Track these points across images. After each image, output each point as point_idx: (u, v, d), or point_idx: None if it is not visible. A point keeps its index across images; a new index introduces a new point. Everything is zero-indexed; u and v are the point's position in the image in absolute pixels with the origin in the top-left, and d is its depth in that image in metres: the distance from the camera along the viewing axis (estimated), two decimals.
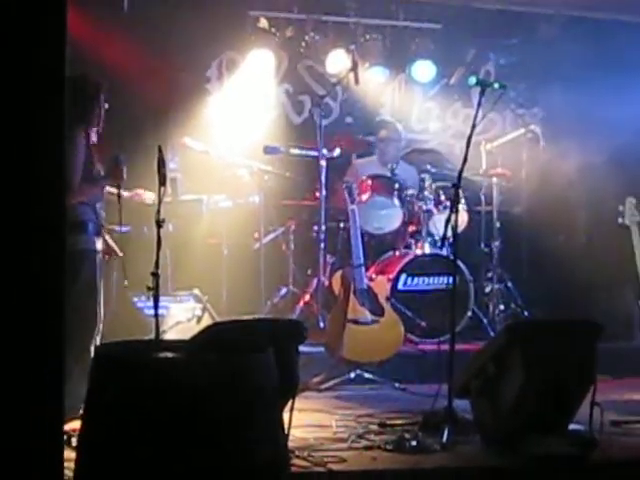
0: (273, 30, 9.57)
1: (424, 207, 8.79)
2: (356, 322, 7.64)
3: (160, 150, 5.45)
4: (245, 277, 8.56)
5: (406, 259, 8.58)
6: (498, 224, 9.29)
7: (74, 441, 4.66)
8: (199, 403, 3.81)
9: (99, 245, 6.12)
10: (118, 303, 7.46)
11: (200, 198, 8.42)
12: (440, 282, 8.46)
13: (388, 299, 7.90)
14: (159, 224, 5.38)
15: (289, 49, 9.82)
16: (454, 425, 5.60)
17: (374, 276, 8.12)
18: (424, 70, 10.05)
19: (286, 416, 4.60)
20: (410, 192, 8.82)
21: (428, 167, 9.08)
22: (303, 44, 9.76)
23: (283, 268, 8.93)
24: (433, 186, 8.88)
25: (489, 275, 9.27)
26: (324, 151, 8.34)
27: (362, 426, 6.05)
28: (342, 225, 8.69)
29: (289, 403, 4.90)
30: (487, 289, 9.18)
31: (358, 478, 5.18)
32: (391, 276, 8.39)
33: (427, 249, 8.74)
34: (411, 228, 8.94)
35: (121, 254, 6.39)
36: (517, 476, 5.25)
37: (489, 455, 5.46)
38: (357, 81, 8.41)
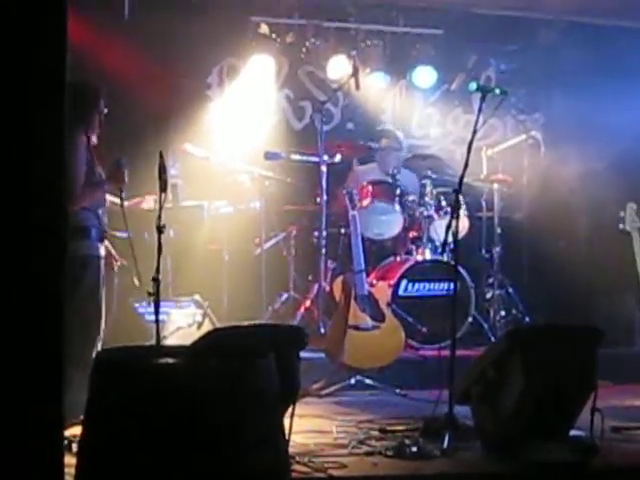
0: (274, 36, 9.58)
1: (425, 213, 8.79)
2: (357, 328, 7.64)
3: (161, 156, 5.45)
4: (246, 283, 8.57)
5: (407, 265, 8.58)
6: (499, 230, 9.29)
7: (75, 447, 4.66)
8: (200, 409, 3.81)
9: (102, 251, 6.13)
10: (119, 309, 7.45)
11: (201, 204, 8.42)
12: (441, 288, 8.47)
13: (389, 305, 7.90)
14: (160, 230, 5.38)
15: (290, 55, 9.82)
16: (455, 431, 5.60)
17: (375, 282, 8.12)
18: (425, 76, 10.05)
19: (287, 422, 4.60)
20: (411, 198, 8.82)
21: (429, 173, 9.07)
22: (304, 50, 9.76)
23: (284, 274, 8.93)
24: (434, 192, 8.88)
25: (490, 281, 9.26)
26: (325, 157, 8.34)
27: (363, 432, 6.04)
28: (343, 231, 8.69)
29: (290, 409, 4.89)
30: (488, 295, 9.18)
31: None
32: (392, 282, 8.39)
33: (428, 255, 8.73)
34: (412, 234, 8.94)
35: (121, 263, 6.40)
36: None
37: (490, 461, 5.46)
38: (358, 87, 8.41)
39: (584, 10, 9.68)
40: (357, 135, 9.83)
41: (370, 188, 8.73)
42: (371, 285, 7.90)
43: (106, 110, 6.24)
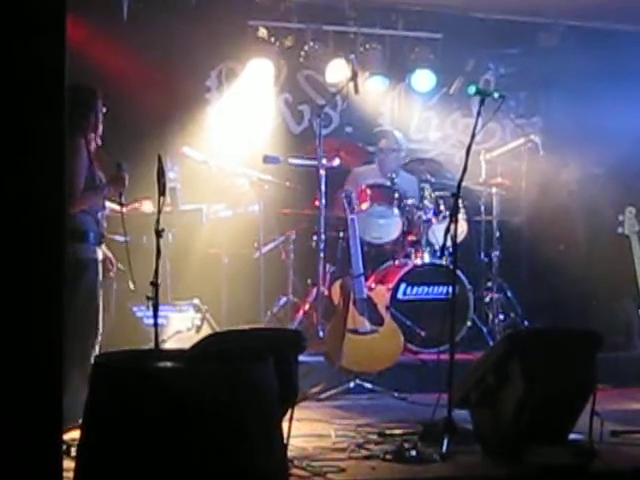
0: (272, 40, 9.57)
1: (424, 217, 8.80)
2: (355, 332, 7.65)
3: (160, 160, 5.45)
4: (245, 286, 8.56)
5: (405, 268, 8.58)
6: (498, 234, 9.29)
7: (73, 451, 4.66)
8: (198, 413, 3.80)
9: (100, 254, 6.13)
10: (118, 313, 7.46)
11: (200, 208, 8.41)
12: (440, 292, 8.48)
13: (387, 309, 7.90)
14: (159, 234, 5.38)
15: (289, 58, 9.81)
16: (454, 435, 5.59)
17: (373, 285, 8.13)
18: (424, 79, 10.05)
19: (285, 425, 4.60)
20: (410, 202, 8.82)
21: (428, 177, 9.08)
22: (303, 53, 9.75)
23: (283, 277, 8.92)
24: (433, 195, 8.88)
25: (489, 285, 9.26)
26: (323, 161, 8.33)
27: (361, 436, 6.05)
28: (342, 234, 8.68)
29: (288, 412, 4.89)
30: (487, 299, 9.17)
31: None
32: (390, 285, 8.39)
33: (427, 259, 8.74)
34: (410, 237, 8.94)
35: (118, 268, 6.41)
36: None
37: (489, 465, 5.46)
38: (357, 90, 8.40)
39: (583, 14, 9.68)
40: (356, 139, 9.83)
41: (369, 192, 8.72)
42: (370, 289, 7.91)
43: (105, 109, 6.24)
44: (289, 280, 8.89)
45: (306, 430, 6.13)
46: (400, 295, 8.49)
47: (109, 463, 3.81)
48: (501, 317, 9.07)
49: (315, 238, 8.53)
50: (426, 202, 8.83)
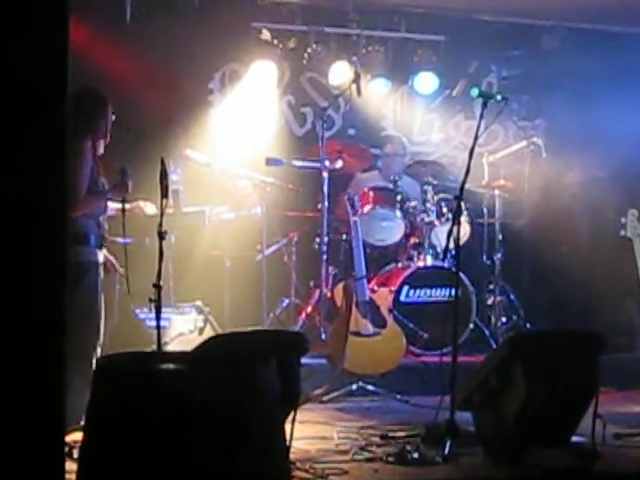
0: (275, 42, 9.56)
1: (426, 219, 8.79)
2: (358, 334, 7.64)
3: (162, 162, 5.45)
4: (247, 289, 8.56)
5: (408, 271, 8.58)
6: (500, 236, 9.29)
7: (75, 453, 4.66)
8: (201, 415, 3.80)
9: (101, 257, 6.13)
10: (120, 315, 7.45)
11: (202, 210, 8.41)
12: (442, 294, 8.48)
13: (390, 311, 7.90)
14: (161, 236, 5.39)
15: (291, 61, 9.81)
16: (456, 437, 5.60)
17: (376, 288, 8.12)
18: (426, 82, 10.04)
19: (288, 428, 4.60)
20: (412, 204, 8.82)
21: (430, 179, 9.07)
22: (305, 56, 9.75)
23: (285, 280, 8.92)
24: (435, 198, 8.88)
25: (491, 287, 9.26)
26: (326, 163, 8.34)
27: (364, 438, 6.05)
28: (344, 237, 8.69)
29: (291, 414, 4.89)
30: (489, 301, 9.17)
31: None
32: (393, 288, 8.38)
33: (429, 261, 8.74)
34: (413, 240, 8.94)
35: (120, 269, 6.40)
36: None
37: (491, 467, 5.45)
38: (359, 93, 8.39)
39: (586, 16, 9.67)
40: (358, 141, 9.81)
41: (371, 194, 8.73)
42: (372, 291, 7.90)
43: (114, 117, 6.26)
44: (292, 282, 8.89)
45: (309, 432, 6.13)
46: (403, 297, 8.49)
47: (111, 465, 3.82)
48: (504, 319, 9.07)
49: (318, 240, 8.54)
50: (429, 204, 8.83)
